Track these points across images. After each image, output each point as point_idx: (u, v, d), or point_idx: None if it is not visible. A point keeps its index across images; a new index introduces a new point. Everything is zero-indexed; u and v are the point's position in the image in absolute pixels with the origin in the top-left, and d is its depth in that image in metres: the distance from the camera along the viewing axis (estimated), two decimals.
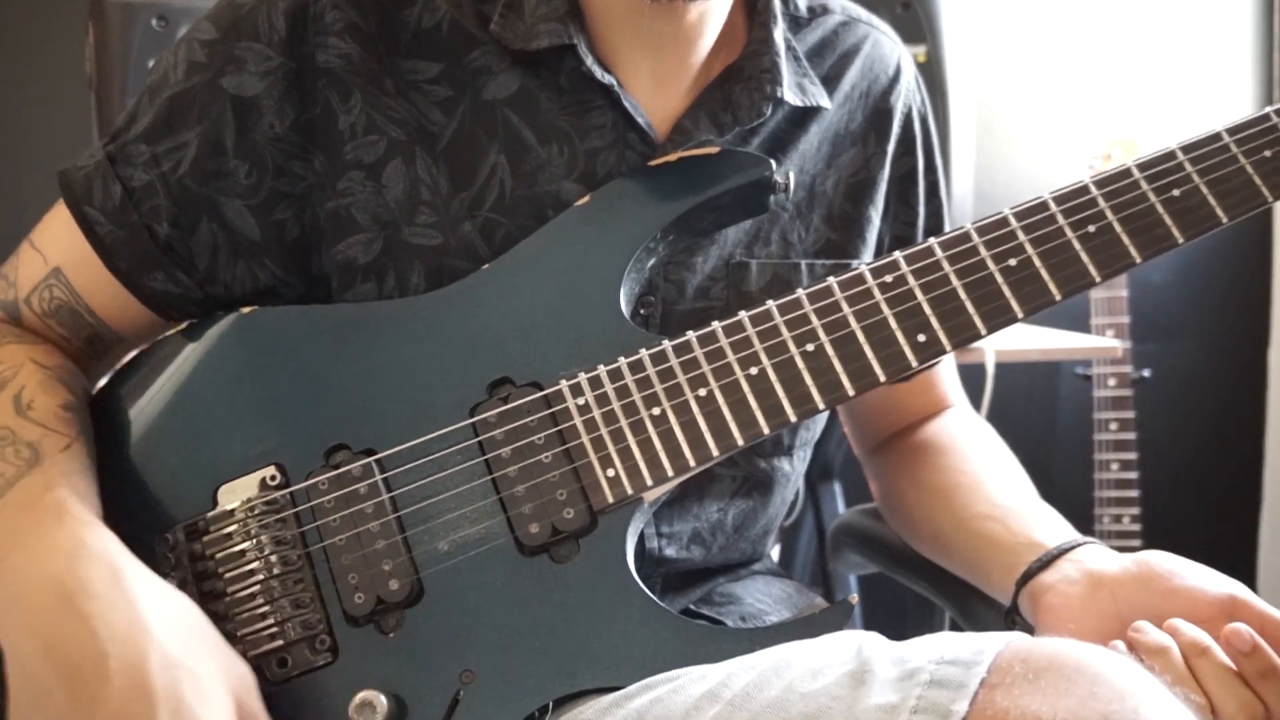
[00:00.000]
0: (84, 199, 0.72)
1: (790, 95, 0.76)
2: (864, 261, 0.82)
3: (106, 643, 0.54)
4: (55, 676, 0.54)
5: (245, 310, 0.72)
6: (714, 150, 0.73)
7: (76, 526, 0.59)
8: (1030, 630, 0.70)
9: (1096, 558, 0.69)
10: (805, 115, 0.79)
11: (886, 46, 0.85)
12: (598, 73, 0.72)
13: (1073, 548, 0.70)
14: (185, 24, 1.35)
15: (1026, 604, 0.70)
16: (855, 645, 0.56)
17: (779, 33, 0.76)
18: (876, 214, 0.83)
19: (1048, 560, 0.70)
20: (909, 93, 0.86)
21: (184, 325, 0.73)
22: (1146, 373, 1.91)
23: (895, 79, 0.85)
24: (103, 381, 0.75)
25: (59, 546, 0.58)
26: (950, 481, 0.83)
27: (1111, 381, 1.88)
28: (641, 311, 0.74)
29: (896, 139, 0.84)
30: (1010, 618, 0.72)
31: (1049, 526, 0.74)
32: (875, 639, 0.57)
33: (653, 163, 0.73)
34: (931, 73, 1.51)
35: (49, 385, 0.68)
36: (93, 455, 0.67)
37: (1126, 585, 0.66)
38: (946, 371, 0.93)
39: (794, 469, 0.83)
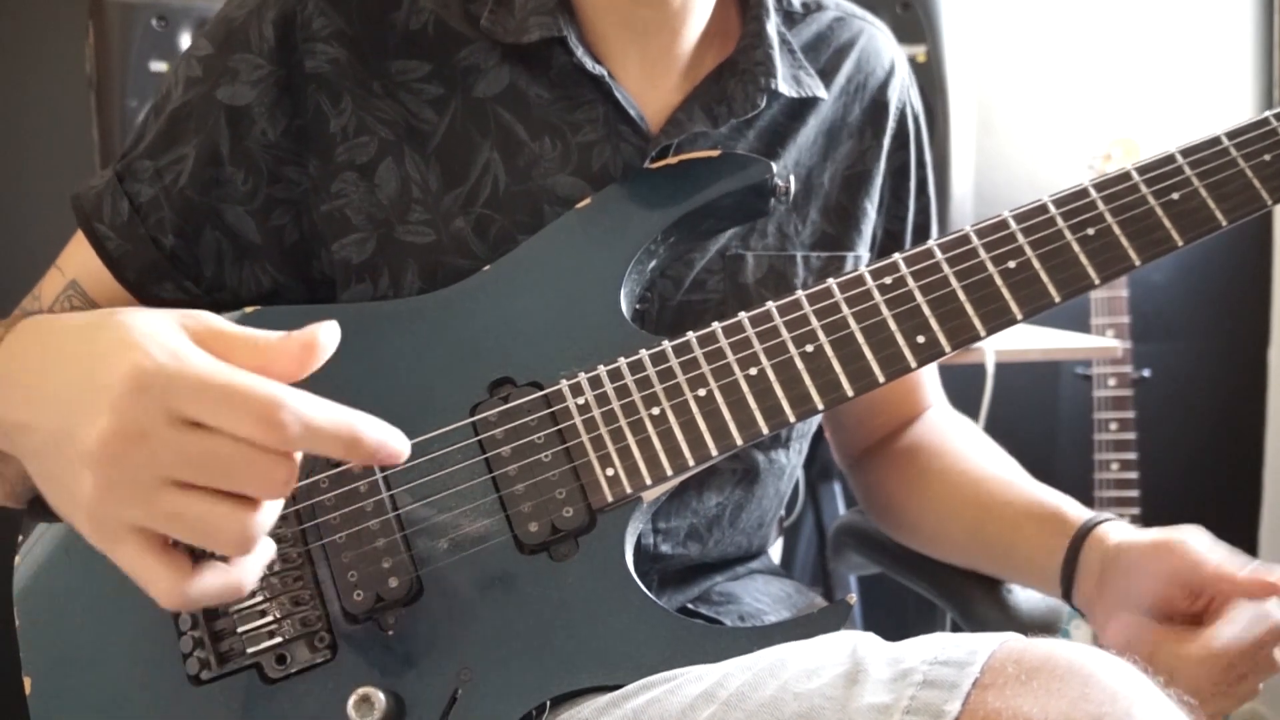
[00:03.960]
0: (94, 215, 0.74)
1: (785, 87, 0.77)
2: (859, 254, 0.82)
3: (38, 365, 0.54)
4: (24, 417, 0.53)
5: (248, 310, 0.72)
6: (714, 153, 0.74)
7: (14, 322, 0.59)
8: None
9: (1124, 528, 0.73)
10: (802, 108, 0.80)
11: (881, 41, 0.86)
12: (588, 64, 0.72)
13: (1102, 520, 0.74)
14: (185, 24, 1.35)
15: (1093, 563, 0.72)
16: (850, 645, 0.56)
17: (772, 26, 0.77)
18: (873, 207, 0.84)
19: (1092, 524, 0.73)
20: (903, 88, 0.87)
21: None
22: (1146, 373, 1.91)
23: (891, 73, 0.85)
24: None
25: (8, 333, 0.58)
26: (952, 484, 0.83)
27: (1111, 381, 1.88)
28: (638, 307, 0.75)
29: (892, 133, 0.85)
30: (1068, 594, 0.74)
31: (1070, 505, 0.77)
32: (870, 639, 0.58)
33: (653, 165, 0.74)
34: (931, 73, 1.51)
35: None
36: None
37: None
38: (927, 372, 0.93)
39: (790, 461, 0.84)
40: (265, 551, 0.52)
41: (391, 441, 0.51)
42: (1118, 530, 0.73)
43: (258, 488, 0.49)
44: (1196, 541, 0.69)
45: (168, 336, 0.50)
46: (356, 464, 0.51)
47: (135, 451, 0.48)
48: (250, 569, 0.53)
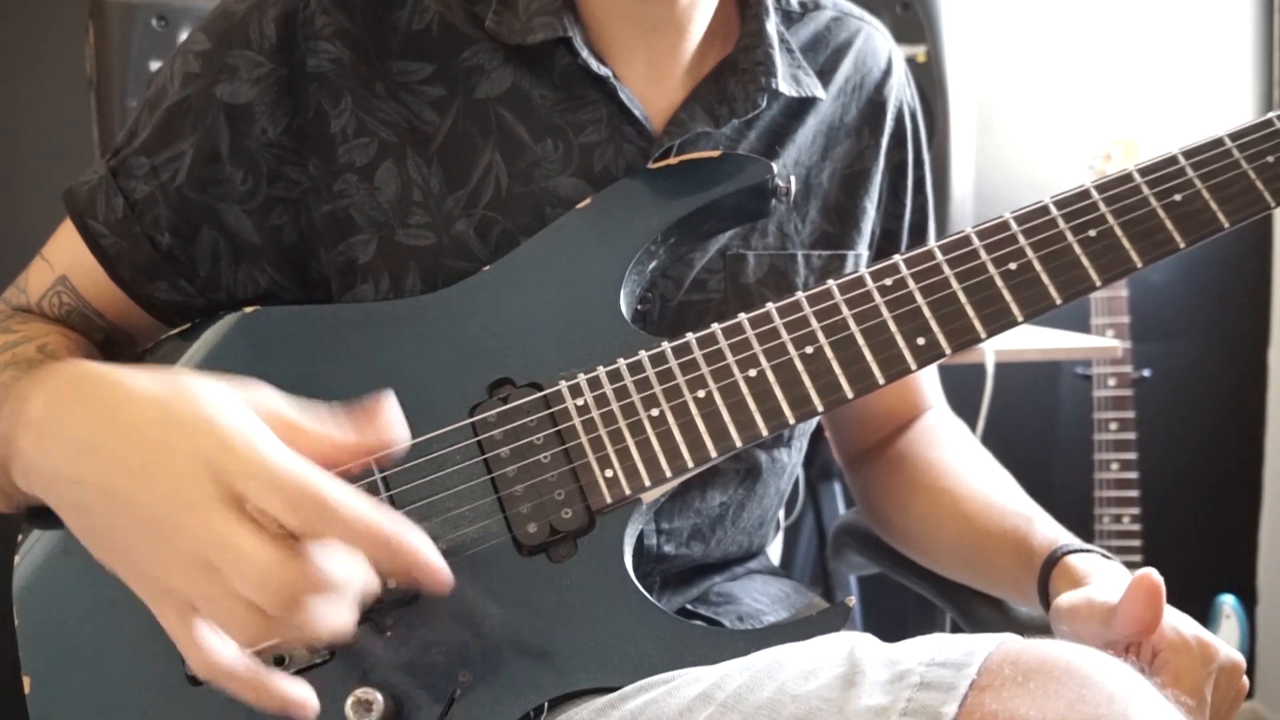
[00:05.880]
0: (88, 212, 0.73)
1: (785, 87, 0.77)
2: (860, 253, 0.82)
3: (98, 418, 0.55)
4: (76, 470, 0.55)
5: (248, 310, 0.72)
6: (715, 153, 0.73)
7: (56, 365, 0.61)
8: None
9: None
10: (801, 107, 0.80)
11: (878, 41, 0.86)
12: (594, 65, 0.72)
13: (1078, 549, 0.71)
14: (185, 24, 1.34)
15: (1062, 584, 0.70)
16: (848, 647, 0.56)
17: (772, 26, 0.77)
18: (872, 205, 0.84)
19: (1055, 559, 0.71)
20: (900, 86, 0.87)
21: (186, 325, 0.74)
22: (1146, 373, 1.91)
23: (888, 72, 0.86)
24: None
25: (43, 381, 0.60)
26: (936, 504, 0.83)
27: (1111, 381, 1.88)
28: (640, 308, 0.75)
29: (890, 131, 0.85)
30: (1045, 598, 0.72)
31: (1039, 532, 0.75)
32: (868, 640, 0.57)
33: (653, 165, 0.74)
34: (931, 73, 1.50)
35: (73, 349, 0.71)
36: None
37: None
38: (927, 373, 0.93)
39: (792, 459, 0.84)
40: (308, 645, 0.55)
41: (425, 564, 0.52)
42: (1065, 576, 0.70)
43: (258, 597, 0.50)
44: (1104, 592, 0.64)
45: (236, 415, 0.53)
46: (398, 578, 0.54)
47: (183, 523, 0.51)
48: (268, 674, 0.54)
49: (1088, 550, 0.71)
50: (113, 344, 0.76)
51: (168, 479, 0.52)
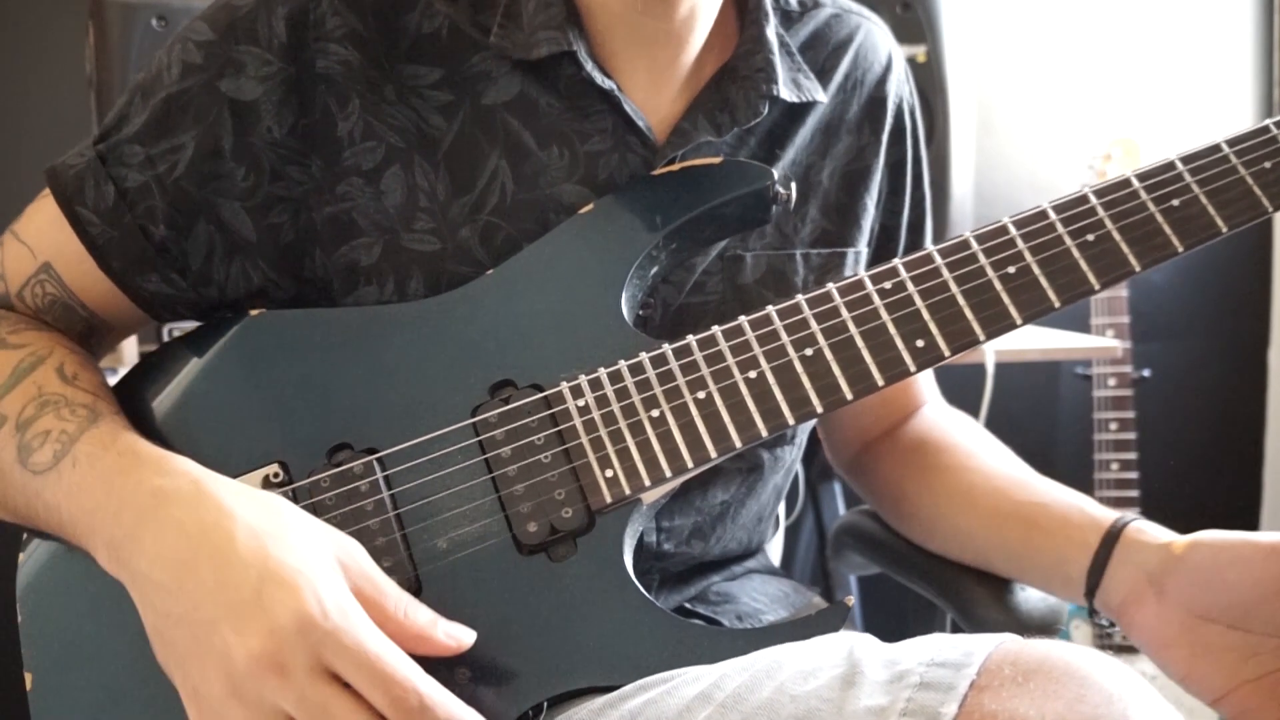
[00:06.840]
0: (75, 198, 0.71)
1: (786, 92, 0.77)
2: (859, 250, 0.83)
3: (197, 538, 0.57)
4: (165, 580, 0.58)
5: (253, 313, 0.72)
6: (716, 160, 0.74)
7: (152, 457, 0.63)
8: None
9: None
10: (801, 109, 0.80)
11: (878, 37, 0.86)
12: (598, 78, 0.72)
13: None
14: (185, 24, 1.35)
15: (1137, 564, 0.73)
16: (847, 647, 0.56)
17: (771, 29, 0.77)
18: (872, 202, 0.84)
19: (1123, 523, 0.75)
20: (900, 83, 0.87)
21: (194, 328, 0.74)
22: (1146, 373, 1.91)
23: (888, 69, 0.86)
24: (114, 380, 0.75)
25: (143, 478, 0.61)
26: (967, 481, 0.83)
27: (1111, 381, 1.88)
28: (641, 313, 0.75)
29: (890, 128, 0.85)
30: (1091, 594, 0.74)
31: (1091, 502, 0.78)
32: (867, 641, 0.58)
33: (656, 171, 0.74)
34: (931, 73, 1.51)
35: (86, 364, 0.71)
36: None
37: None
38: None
39: (792, 456, 0.84)
40: None
41: None
42: (1159, 531, 0.73)
43: None
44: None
45: (336, 585, 0.56)
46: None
47: (272, 681, 0.54)
48: None
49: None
50: (91, 334, 0.75)
51: (261, 636, 0.54)
